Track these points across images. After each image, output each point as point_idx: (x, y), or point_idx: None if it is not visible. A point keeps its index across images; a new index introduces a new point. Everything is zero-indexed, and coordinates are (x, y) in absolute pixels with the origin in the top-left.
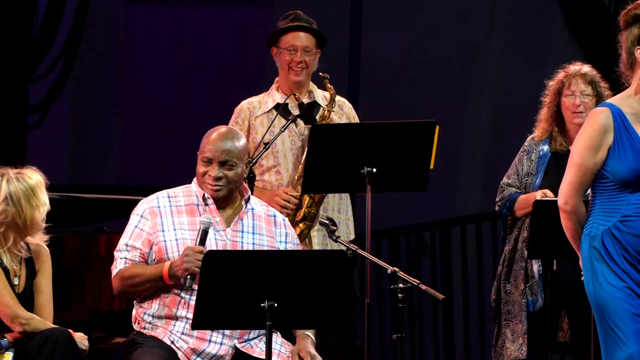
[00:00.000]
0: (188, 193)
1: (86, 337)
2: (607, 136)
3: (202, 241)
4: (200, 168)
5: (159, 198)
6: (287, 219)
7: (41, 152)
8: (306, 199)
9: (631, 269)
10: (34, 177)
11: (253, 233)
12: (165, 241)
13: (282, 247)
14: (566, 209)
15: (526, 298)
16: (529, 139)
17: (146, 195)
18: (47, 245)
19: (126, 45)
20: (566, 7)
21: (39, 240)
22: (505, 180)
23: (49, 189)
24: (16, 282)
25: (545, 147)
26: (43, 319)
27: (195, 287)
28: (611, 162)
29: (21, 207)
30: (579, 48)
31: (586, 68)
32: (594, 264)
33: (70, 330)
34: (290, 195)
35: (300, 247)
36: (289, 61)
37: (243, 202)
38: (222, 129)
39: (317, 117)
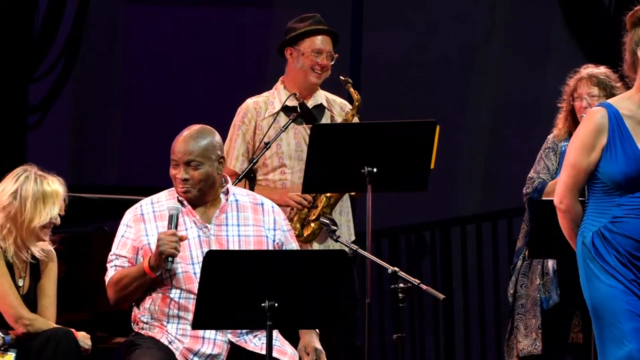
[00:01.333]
0: (169, 197)
1: (89, 336)
2: (601, 137)
3: (175, 226)
4: (171, 171)
5: (143, 205)
6: (275, 205)
7: (41, 152)
8: (323, 199)
9: (623, 267)
10: (53, 186)
11: (238, 225)
12: (149, 244)
13: (270, 234)
14: (561, 207)
15: (540, 295)
16: (550, 137)
17: (146, 195)
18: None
19: (126, 45)
20: (566, 7)
21: (44, 243)
22: (534, 174)
23: None
24: (20, 284)
25: (567, 144)
26: (46, 320)
27: (185, 286)
28: (603, 164)
29: (25, 206)
30: (579, 48)
31: (596, 70)
32: (587, 263)
33: (73, 330)
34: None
35: (290, 233)
36: (312, 64)
37: (222, 195)
38: (187, 130)
39: (341, 121)
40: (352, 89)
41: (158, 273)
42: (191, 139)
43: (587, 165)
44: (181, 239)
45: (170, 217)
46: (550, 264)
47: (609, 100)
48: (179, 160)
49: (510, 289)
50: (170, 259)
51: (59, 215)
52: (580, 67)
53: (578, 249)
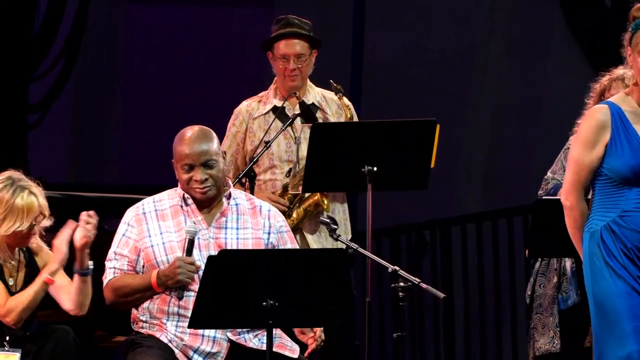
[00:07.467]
0: (172, 195)
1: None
2: (603, 133)
3: (189, 251)
4: (183, 175)
5: (145, 204)
6: (272, 208)
7: (41, 151)
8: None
9: (629, 263)
10: (27, 199)
11: (237, 228)
12: (152, 246)
13: (265, 237)
14: (567, 204)
15: (557, 293)
16: (572, 137)
17: (146, 194)
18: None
19: (126, 45)
20: (566, 7)
21: (38, 240)
22: (549, 174)
23: (49, 187)
24: (11, 282)
25: None
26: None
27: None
28: (609, 160)
29: None
30: (579, 48)
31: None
32: (593, 260)
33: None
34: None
35: (288, 235)
36: (283, 69)
37: (224, 199)
38: (188, 132)
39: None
40: (343, 100)
41: (164, 290)
42: (199, 139)
43: (590, 161)
44: (197, 267)
45: (186, 242)
46: (569, 264)
47: (611, 99)
48: (195, 162)
49: (528, 290)
50: (182, 287)
51: (45, 217)
52: (612, 68)
53: (584, 245)
